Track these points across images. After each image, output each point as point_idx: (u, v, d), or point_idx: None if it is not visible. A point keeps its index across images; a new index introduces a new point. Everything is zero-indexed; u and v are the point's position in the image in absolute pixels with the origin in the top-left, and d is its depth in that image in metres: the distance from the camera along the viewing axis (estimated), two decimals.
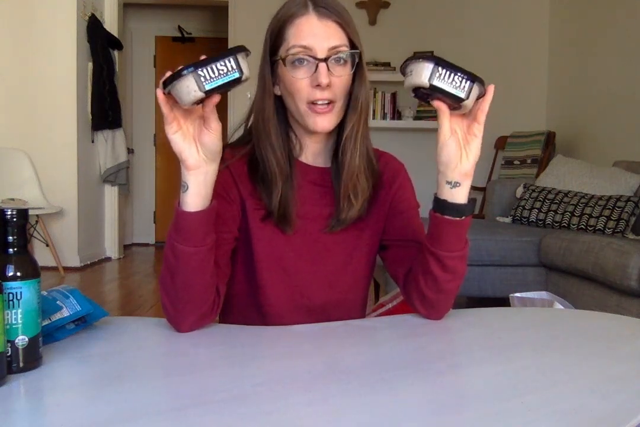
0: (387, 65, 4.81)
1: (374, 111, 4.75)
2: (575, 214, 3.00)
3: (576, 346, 0.85)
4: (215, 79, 0.74)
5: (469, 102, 0.84)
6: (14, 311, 0.69)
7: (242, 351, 0.79)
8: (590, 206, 2.96)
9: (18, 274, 0.69)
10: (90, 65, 4.60)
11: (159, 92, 0.78)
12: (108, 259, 5.05)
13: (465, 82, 0.82)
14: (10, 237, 0.70)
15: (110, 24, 4.91)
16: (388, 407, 0.61)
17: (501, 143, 4.69)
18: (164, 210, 6.29)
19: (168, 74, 0.77)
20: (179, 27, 6.25)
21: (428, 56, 0.83)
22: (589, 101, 4.26)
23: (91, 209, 4.75)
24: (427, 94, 0.84)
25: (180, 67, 0.75)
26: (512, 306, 1.59)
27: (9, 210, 0.70)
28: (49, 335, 0.80)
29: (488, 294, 2.84)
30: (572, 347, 0.84)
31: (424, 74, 0.81)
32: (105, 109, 4.66)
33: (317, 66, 0.92)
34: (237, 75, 0.75)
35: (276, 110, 1.00)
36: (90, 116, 4.63)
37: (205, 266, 0.87)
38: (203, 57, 0.76)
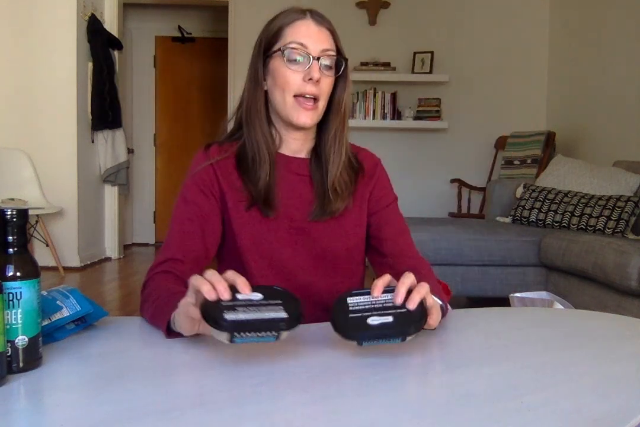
0: (387, 65, 4.81)
1: (373, 111, 4.76)
2: (575, 214, 3.00)
3: (576, 346, 0.85)
4: (248, 338, 0.68)
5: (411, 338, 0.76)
6: (14, 311, 0.69)
7: (242, 351, 0.79)
8: (590, 206, 2.96)
9: (18, 274, 0.69)
10: (90, 65, 4.60)
11: (195, 314, 0.72)
12: (108, 259, 5.05)
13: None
14: (10, 237, 0.70)
15: (110, 24, 4.91)
16: (388, 407, 0.61)
17: (501, 143, 4.70)
18: (164, 210, 6.29)
19: (211, 297, 0.70)
20: (179, 27, 6.25)
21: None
22: (589, 101, 4.26)
23: (91, 209, 4.75)
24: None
25: (221, 319, 0.67)
26: (512, 306, 1.59)
27: (9, 210, 0.70)
28: (49, 335, 0.80)
29: (488, 294, 2.84)
30: (572, 347, 0.84)
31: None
32: (105, 109, 4.65)
33: (310, 63, 1.02)
34: (272, 340, 0.70)
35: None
36: (90, 116, 4.63)
37: None
38: (247, 316, 0.68)
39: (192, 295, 0.75)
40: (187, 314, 0.76)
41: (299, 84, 1.02)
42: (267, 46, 1.06)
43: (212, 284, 0.71)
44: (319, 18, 1.05)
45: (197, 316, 0.72)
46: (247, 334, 0.68)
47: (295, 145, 1.11)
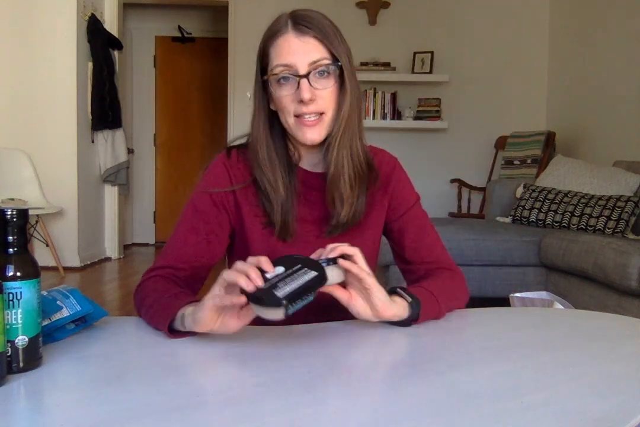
0: (387, 65, 4.81)
1: (373, 111, 4.75)
2: (575, 214, 3.00)
3: (576, 346, 0.85)
4: (297, 305, 0.74)
5: (331, 283, 0.84)
6: (14, 311, 0.69)
7: (242, 351, 0.79)
8: (590, 206, 2.96)
9: (18, 274, 0.69)
10: (90, 65, 4.60)
11: (242, 300, 0.75)
12: (108, 259, 5.05)
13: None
14: (10, 237, 0.70)
15: (110, 24, 4.91)
16: (388, 407, 0.61)
17: (501, 143, 4.70)
18: (164, 210, 6.28)
19: (252, 288, 0.74)
20: (179, 27, 6.25)
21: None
22: (589, 101, 4.26)
23: (91, 209, 4.75)
24: None
25: (278, 298, 0.72)
26: (512, 306, 1.59)
27: (9, 210, 0.70)
28: (49, 335, 0.80)
29: (488, 294, 2.83)
30: (572, 347, 0.84)
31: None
32: (105, 109, 4.65)
33: (299, 83, 0.96)
34: (312, 298, 0.76)
35: (273, 124, 1.04)
36: (90, 116, 4.63)
37: None
38: (293, 285, 0.75)
39: (219, 288, 0.78)
40: (215, 306, 0.77)
41: (295, 106, 0.98)
42: (262, 70, 1.02)
43: (245, 274, 0.75)
44: (302, 27, 0.96)
45: (237, 302, 0.75)
46: (298, 301, 0.74)
47: (313, 158, 1.08)
